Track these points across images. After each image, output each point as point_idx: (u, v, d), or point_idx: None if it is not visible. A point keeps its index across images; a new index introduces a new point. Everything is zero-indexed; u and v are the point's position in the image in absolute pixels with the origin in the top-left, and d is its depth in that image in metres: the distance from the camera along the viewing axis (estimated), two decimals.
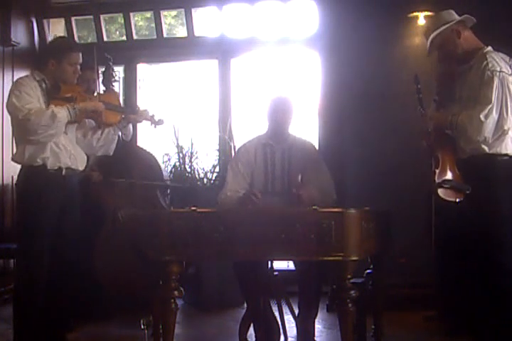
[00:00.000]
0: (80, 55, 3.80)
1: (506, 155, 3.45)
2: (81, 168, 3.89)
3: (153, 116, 4.09)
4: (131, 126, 4.15)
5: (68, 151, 3.77)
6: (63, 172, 3.73)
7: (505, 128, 3.39)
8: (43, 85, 3.74)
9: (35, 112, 3.58)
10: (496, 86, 3.37)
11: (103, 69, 4.76)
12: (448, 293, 4.00)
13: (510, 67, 3.47)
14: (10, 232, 5.46)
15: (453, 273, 3.82)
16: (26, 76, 3.87)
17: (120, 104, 4.17)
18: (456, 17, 3.66)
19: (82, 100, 3.78)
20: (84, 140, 3.95)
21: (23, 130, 3.62)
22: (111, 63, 4.84)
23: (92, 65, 4.05)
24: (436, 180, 3.46)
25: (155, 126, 4.12)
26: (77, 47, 3.89)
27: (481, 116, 3.35)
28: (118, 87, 6.17)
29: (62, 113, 3.63)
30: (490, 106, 3.36)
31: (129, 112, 4.03)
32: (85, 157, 3.94)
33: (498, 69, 3.40)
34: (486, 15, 4.03)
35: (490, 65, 3.41)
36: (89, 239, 4.59)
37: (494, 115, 3.36)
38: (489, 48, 3.58)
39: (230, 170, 3.96)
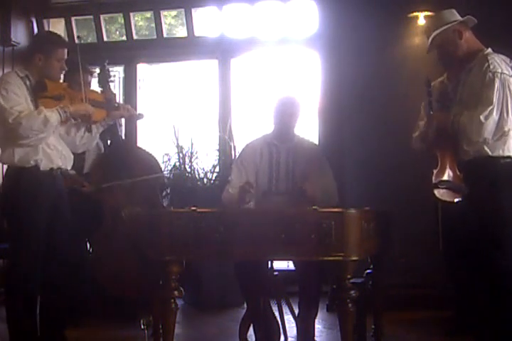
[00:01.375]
0: (66, 50, 3.71)
1: (509, 157, 3.45)
2: (69, 167, 3.83)
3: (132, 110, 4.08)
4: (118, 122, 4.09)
5: (59, 151, 3.71)
6: (54, 172, 3.68)
7: (506, 129, 3.39)
8: (27, 82, 3.61)
9: (25, 115, 3.46)
10: (497, 87, 3.37)
11: (98, 69, 4.76)
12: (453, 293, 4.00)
13: (511, 68, 3.47)
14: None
15: (454, 274, 3.81)
16: (10, 72, 3.75)
17: (104, 101, 3.98)
18: (458, 17, 3.64)
19: (71, 98, 3.70)
20: (68, 137, 3.84)
21: (13, 134, 3.49)
22: (106, 63, 4.84)
23: (84, 65, 4.02)
24: (433, 181, 3.46)
25: (136, 120, 4.10)
26: (65, 42, 3.81)
27: (481, 117, 3.35)
28: (118, 87, 6.19)
29: (54, 117, 3.53)
30: (491, 107, 3.35)
31: (111, 108, 3.93)
32: (72, 156, 3.86)
33: (500, 70, 3.40)
34: (485, 15, 4.02)
35: (491, 67, 3.41)
36: (87, 237, 4.58)
37: (494, 116, 3.36)
38: (489, 50, 3.57)
39: (235, 167, 3.95)
